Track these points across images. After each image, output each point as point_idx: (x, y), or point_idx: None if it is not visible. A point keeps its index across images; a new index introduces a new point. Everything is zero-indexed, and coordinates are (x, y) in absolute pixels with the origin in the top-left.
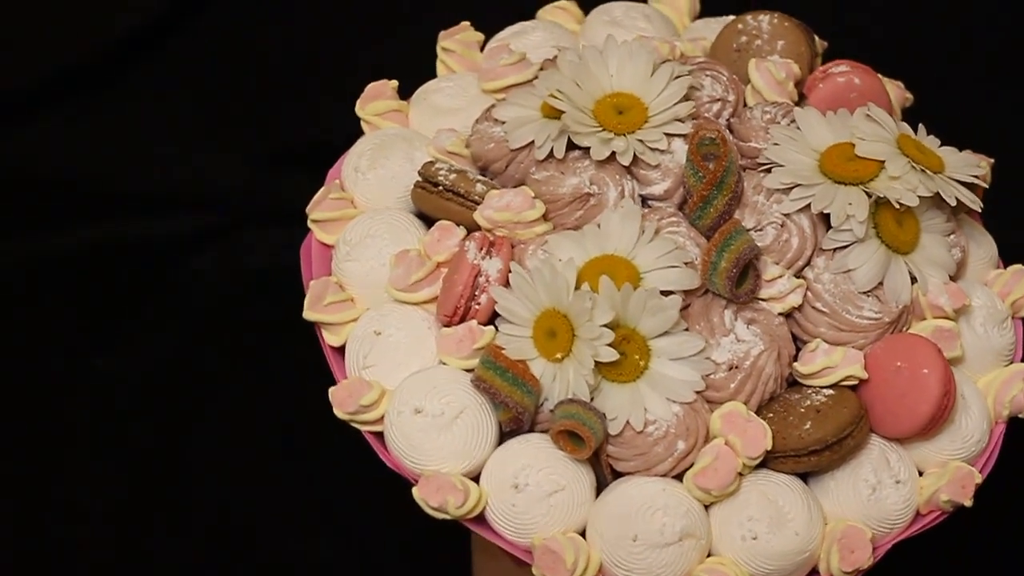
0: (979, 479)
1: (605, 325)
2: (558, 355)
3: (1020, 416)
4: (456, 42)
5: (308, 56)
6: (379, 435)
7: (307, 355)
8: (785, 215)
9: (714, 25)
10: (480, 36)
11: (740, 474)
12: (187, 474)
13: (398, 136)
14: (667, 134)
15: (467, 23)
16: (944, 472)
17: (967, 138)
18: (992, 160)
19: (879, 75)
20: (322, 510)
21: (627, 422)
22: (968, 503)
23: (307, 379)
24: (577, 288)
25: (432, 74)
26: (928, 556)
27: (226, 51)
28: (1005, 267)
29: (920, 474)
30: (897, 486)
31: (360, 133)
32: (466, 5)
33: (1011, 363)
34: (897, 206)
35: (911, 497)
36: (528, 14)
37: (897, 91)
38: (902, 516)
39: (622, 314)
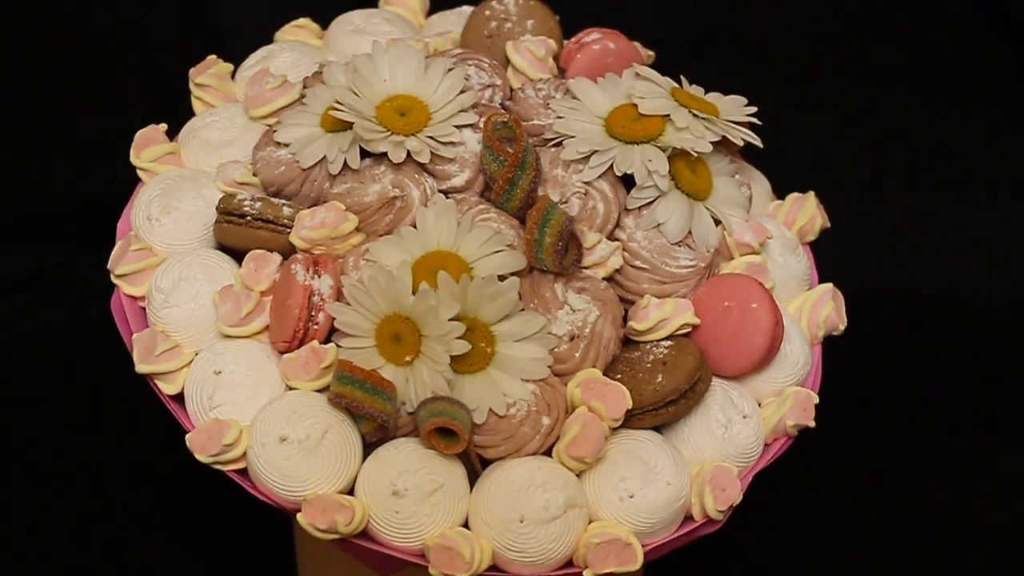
0: (816, 400)
1: (452, 319)
2: (407, 358)
3: (833, 334)
4: (209, 76)
5: None
6: (243, 473)
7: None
8: (586, 183)
9: (452, 17)
10: (230, 67)
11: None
12: None
13: (181, 177)
14: (456, 126)
15: (213, 56)
16: (783, 399)
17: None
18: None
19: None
20: None
21: (489, 409)
22: (812, 424)
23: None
24: (413, 288)
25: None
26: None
27: None
28: (779, 199)
29: (759, 406)
30: (745, 421)
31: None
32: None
33: (810, 287)
34: (694, 154)
35: (759, 429)
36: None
37: (641, 50)
38: (754, 448)
39: (463, 305)
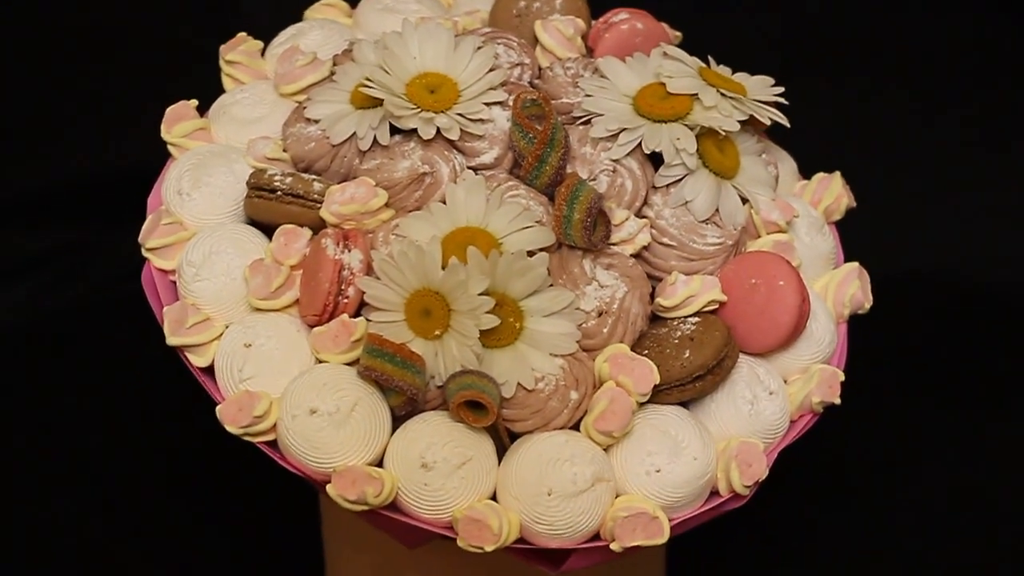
0: (842, 377)
1: (481, 293)
2: (436, 332)
3: (859, 312)
4: (239, 53)
5: None
6: (273, 445)
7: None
8: (615, 161)
9: None
10: (260, 44)
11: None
12: None
13: (212, 152)
14: (486, 103)
15: (243, 34)
16: (809, 376)
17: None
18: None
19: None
20: None
21: (518, 383)
22: (837, 401)
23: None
24: (443, 263)
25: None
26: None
27: None
28: (805, 178)
29: (785, 383)
30: (771, 397)
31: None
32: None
33: (836, 266)
34: (721, 133)
35: (784, 405)
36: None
37: (668, 31)
38: (780, 424)
39: (492, 280)
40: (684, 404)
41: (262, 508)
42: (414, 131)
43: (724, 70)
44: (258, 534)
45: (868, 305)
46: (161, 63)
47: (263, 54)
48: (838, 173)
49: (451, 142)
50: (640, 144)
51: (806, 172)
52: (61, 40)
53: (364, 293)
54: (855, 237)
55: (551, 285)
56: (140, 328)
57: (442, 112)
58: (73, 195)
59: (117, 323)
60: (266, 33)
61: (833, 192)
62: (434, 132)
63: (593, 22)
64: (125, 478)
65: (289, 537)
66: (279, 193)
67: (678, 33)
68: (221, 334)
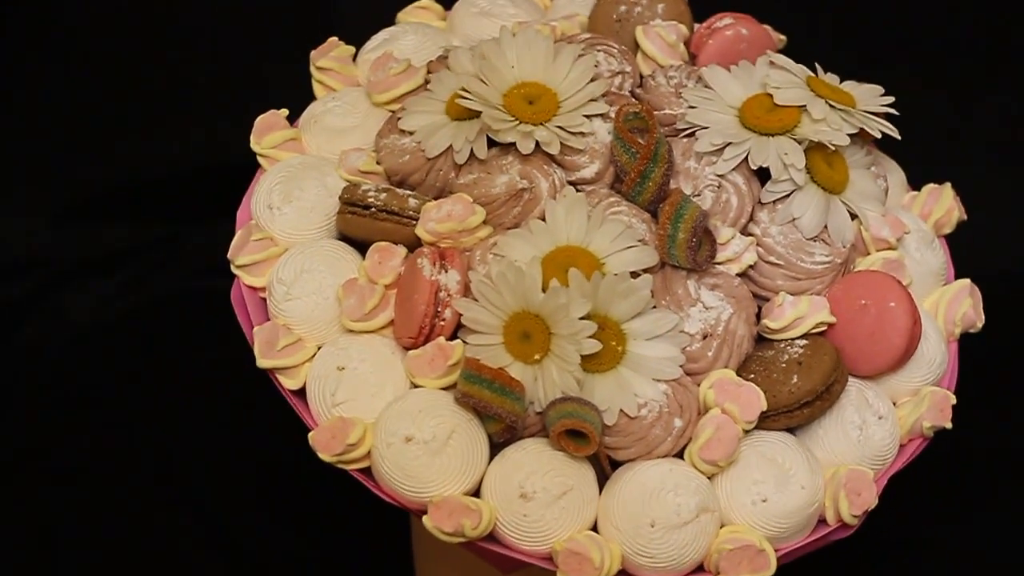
0: (953, 400)
1: (583, 317)
2: (536, 356)
3: (971, 331)
4: (331, 59)
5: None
6: (366, 471)
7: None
8: (719, 176)
9: (579, 0)
10: (352, 49)
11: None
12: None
13: (303, 165)
14: (587, 116)
15: (335, 39)
16: (920, 399)
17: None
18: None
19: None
20: None
21: (620, 410)
22: (949, 425)
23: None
24: (543, 285)
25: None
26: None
27: None
28: (914, 189)
29: (895, 406)
30: (881, 422)
31: (145, 174)
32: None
33: (946, 282)
34: (831, 147)
35: (894, 430)
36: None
37: (773, 34)
38: (890, 450)
39: (594, 303)
40: (791, 430)
41: (354, 518)
42: (512, 144)
43: (832, 78)
44: (348, 545)
45: (980, 324)
46: (254, 62)
47: (355, 59)
48: (948, 185)
49: (551, 156)
50: (746, 158)
51: (913, 179)
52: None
53: (461, 315)
54: (962, 247)
55: (654, 307)
56: (232, 326)
57: (541, 124)
58: (164, 190)
59: (206, 318)
60: (359, 35)
61: (944, 205)
62: (533, 146)
63: (696, 26)
64: (210, 488)
65: (379, 549)
66: (373, 209)
67: (783, 37)
68: (313, 356)
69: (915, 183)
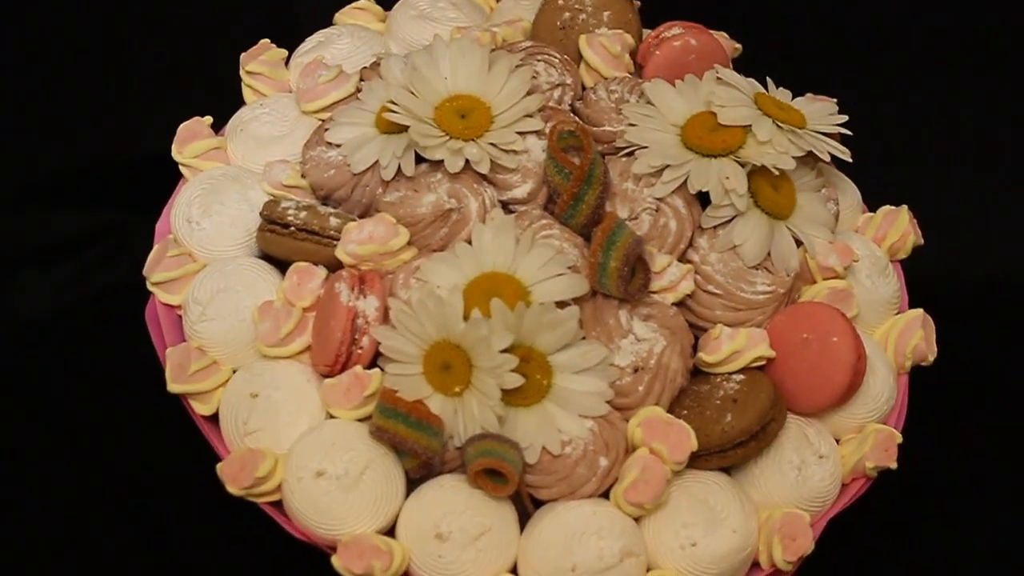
0: (899, 439)
1: (505, 350)
2: (456, 388)
3: (922, 364)
4: (261, 63)
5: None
6: (278, 504)
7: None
8: (658, 199)
9: (525, 3)
10: (284, 52)
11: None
12: None
13: (226, 176)
14: (520, 133)
15: (267, 40)
16: (864, 438)
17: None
18: (835, 100)
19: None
20: None
21: (543, 448)
22: (893, 465)
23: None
24: (465, 314)
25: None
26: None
27: None
28: (869, 210)
29: (837, 443)
30: (821, 461)
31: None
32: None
33: (898, 311)
34: (775, 172)
35: (835, 470)
36: None
37: (726, 43)
38: (830, 491)
39: (518, 334)
40: (725, 469)
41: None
42: (442, 161)
43: (784, 94)
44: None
45: (932, 357)
46: (211, 51)
47: (287, 63)
48: (905, 208)
49: (481, 174)
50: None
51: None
52: (111, 22)
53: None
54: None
55: (583, 338)
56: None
57: (472, 140)
58: (115, 176)
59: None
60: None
61: (899, 228)
62: (463, 164)
63: (646, 32)
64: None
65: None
66: (292, 228)
67: (738, 46)
68: (227, 380)
69: (872, 199)
